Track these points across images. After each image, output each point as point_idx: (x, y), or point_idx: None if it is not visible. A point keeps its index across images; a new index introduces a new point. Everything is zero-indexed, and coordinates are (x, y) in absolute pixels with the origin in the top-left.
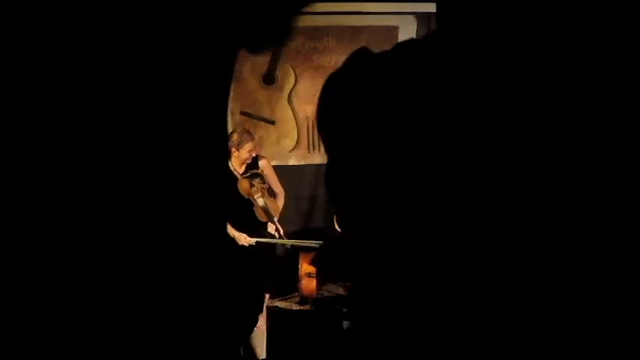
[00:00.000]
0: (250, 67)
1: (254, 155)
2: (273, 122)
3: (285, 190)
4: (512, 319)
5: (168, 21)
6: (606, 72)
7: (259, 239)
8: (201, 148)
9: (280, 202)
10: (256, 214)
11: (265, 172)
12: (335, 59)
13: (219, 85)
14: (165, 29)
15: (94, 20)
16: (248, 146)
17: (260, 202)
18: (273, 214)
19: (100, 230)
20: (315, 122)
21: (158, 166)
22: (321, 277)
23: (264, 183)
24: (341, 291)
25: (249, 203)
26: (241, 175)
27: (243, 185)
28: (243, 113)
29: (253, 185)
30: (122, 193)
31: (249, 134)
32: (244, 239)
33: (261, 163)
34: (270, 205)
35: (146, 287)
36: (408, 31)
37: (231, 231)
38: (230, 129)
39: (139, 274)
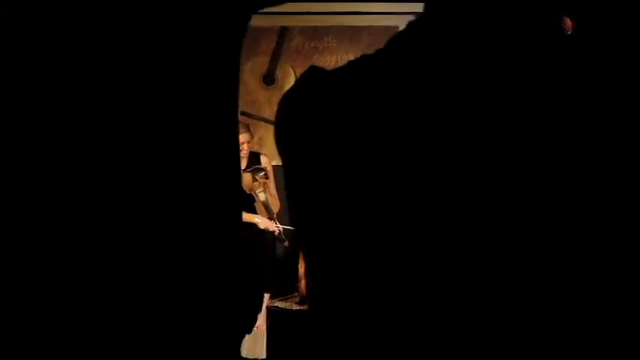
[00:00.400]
0: (250, 67)
1: (246, 147)
2: (273, 122)
3: (284, 190)
4: (499, 319)
5: (172, 20)
6: (606, 71)
7: (285, 226)
8: (213, 147)
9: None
10: (257, 209)
11: (268, 169)
12: (335, 59)
13: (227, 83)
14: (169, 27)
15: (95, 21)
16: (241, 137)
17: (262, 197)
18: (273, 210)
19: (107, 227)
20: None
21: (168, 166)
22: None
23: (267, 178)
24: None
25: (250, 198)
26: (243, 170)
27: (245, 180)
28: (243, 113)
29: (256, 180)
30: (132, 193)
31: (244, 126)
32: (272, 225)
33: (264, 159)
34: (271, 200)
35: (153, 286)
36: None
37: (259, 219)
38: None
39: (147, 273)
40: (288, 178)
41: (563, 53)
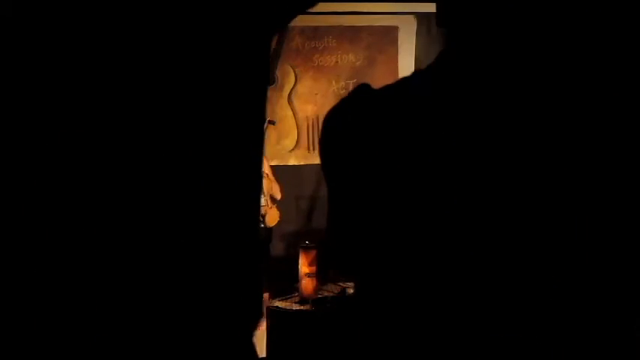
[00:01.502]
0: None
1: None
2: (273, 122)
3: (284, 191)
4: (511, 319)
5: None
6: (608, 72)
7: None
8: (238, 149)
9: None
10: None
11: (265, 169)
12: (335, 59)
13: (257, 86)
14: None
15: (107, 23)
16: None
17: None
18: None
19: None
20: (315, 125)
21: (186, 166)
22: (321, 277)
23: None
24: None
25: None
26: None
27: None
28: None
29: None
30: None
31: None
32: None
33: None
34: (274, 188)
35: (162, 286)
36: (408, 31)
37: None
38: None
39: (155, 274)
40: (335, 190)
41: (578, 61)
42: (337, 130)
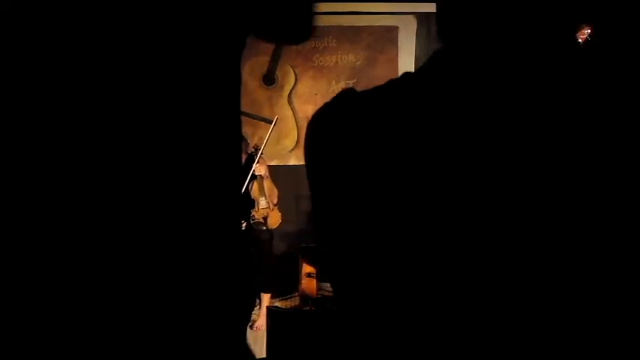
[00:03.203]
0: (250, 67)
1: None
2: (271, 121)
3: (284, 190)
4: (508, 319)
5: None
6: (610, 73)
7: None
8: (215, 147)
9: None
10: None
11: (263, 172)
12: (335, 59)
13: (229, 84)
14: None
15: (96, 22)
16: None
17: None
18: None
19: (104, 225)
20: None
21: (168, 166)
22: (321, 277)
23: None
24: None
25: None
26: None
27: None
28: (242, 113)
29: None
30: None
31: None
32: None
33: (259, 165)
34: (268, 189)
35: (147, 283)
36: (408, 31)
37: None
38: None
39: (142, 271)
40: (315, 186)
41: (577, 62)
42: (321, 132)
